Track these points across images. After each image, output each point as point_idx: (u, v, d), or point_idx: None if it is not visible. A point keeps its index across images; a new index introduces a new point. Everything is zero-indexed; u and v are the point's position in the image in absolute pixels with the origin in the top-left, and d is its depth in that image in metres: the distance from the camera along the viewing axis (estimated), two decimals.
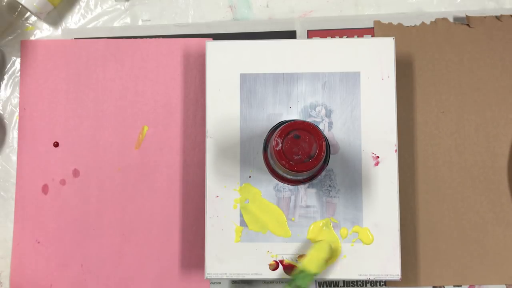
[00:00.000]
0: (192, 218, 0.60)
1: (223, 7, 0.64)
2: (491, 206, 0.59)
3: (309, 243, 0.54)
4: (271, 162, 0.52)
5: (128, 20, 0.64)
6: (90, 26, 0.64)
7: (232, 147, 0.55)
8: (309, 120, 0.55)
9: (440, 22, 0.62)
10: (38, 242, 0.61)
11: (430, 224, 0.59)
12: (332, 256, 0.53)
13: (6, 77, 0.64)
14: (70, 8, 0.65)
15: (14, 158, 0.63)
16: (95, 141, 0.62)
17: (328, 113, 0.55)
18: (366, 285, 0.60)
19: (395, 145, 0.54)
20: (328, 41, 0.57)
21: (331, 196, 0.54)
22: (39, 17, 0.62)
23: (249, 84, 0.56)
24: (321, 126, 0.55)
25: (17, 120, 0.63)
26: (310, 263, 0.52)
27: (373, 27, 0.62)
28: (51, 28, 0.65)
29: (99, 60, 0.63)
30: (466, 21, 0.62)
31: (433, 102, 0.61)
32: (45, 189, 0.61)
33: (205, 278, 0.54)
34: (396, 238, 0.54)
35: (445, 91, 0.61)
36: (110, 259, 0.60)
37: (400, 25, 0.62)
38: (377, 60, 0.55)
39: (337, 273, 0.54)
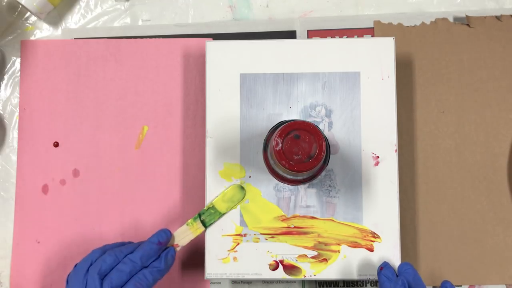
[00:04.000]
0: None
1: (223, 7, 0.64)
2: (491, 206, 0.59)
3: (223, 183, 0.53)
4: (271, 162, 0.52)
5: (128, 20, 0.64)
6: (90, 26, 0.64)
7: (232, 147, 0.55)
8: (309, 120, 0.55)
9: (440, 22, 0.62)
10: (38, 242, 0.61)
11: (430, 224, 0.59)
12: (243, 199, 0.53)
13: (6, 77, 0.64)
14: (70, 8, 0.65)
15: (14, 158, 0.63)
16: (95, 141, 0.62)
17: (328, 113, 0.55)
18: (366, 285, 0.60)
19: (395, 145, 0.54)
20: (328, 41, 0.57)
21: (331, 196, 0.54)
22: (39, 17, 0.62)
23: (249, 84, 0.55)
24: (321, 126, 0.55)
25: (17, 120, 0.63)
26: (222, 202, 0.52)
27: (373, 27, 0.62)
28: (51, 28, 0.65)
29: (99, 60, 0.63)
30: (466, 21, 0.62)
31: (433, 102, 0.61)
32: (45, 189, 0.61)
33: (205, 278, 0.54)
34: (396, 238, 0.54)
35: (445, 91, 0.61)
36: None
37: (400, 25, 0.62)
38: (377, 60, 0.55)
39: (337, 273, 0.54)
